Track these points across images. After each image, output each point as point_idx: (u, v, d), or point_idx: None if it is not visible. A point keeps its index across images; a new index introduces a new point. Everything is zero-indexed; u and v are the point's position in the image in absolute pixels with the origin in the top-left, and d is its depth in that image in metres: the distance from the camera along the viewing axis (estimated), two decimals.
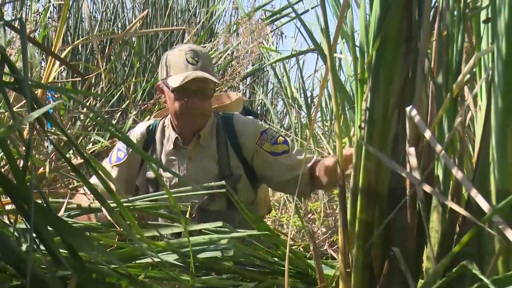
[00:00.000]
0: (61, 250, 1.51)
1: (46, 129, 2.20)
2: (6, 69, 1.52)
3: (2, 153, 1.57)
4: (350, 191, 1.64)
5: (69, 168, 2.48)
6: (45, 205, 1.51)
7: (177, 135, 2.86)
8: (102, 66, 4.63)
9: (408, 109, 1.55)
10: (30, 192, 1.45)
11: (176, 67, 2.78)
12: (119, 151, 2.92)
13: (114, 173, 2.86)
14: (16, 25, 1.72)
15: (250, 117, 2.95)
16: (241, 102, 3.16)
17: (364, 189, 1.61)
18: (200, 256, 1.76)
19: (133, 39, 6.04)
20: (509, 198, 1.44)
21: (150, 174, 2.82)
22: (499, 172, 1.49)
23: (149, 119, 3.14)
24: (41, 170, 3.04)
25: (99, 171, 1.59)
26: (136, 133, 2.94)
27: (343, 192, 1.64)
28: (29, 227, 1.45)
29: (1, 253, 1.46)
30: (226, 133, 2.86)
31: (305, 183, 2.80)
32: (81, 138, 4.11)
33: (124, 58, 6.25)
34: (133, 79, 5.54)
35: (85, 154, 1.68)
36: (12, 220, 1.68)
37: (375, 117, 1.61)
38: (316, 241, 3.94)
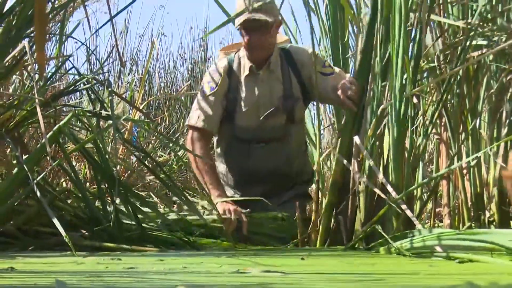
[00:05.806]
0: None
1: (131, 147, 2.14)
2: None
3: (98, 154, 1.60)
4: (326, 185, 1.74)
5: (145, 169, 2.43)
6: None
7: (251, 64, 2.12)
8: (165, 112, 4.62)
9: (355, 138, 1.63)
10: (115, 175, 1.42)
11: (239, 9, 2.06)
12: (209, 83, 2.14)
13: (211, 98, 2.11)
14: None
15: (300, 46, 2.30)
16: (289, 41, 2.34)
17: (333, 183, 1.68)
18: None
19: (182, 98, 6.04)
20: (407, 191, 1.44)
21: (232, 94, 2.12)
22: (395, 174, 1.55)
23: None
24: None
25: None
26: (223, 63, 2.16)
27: (317, 185, 1.73)
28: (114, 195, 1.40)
29: (89, 212, 1.45)
30: (286, 60, 2.14)
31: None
32: (152, 153, 4.05)
33: (177, 108, 6.22)
34: (182, 121, 5.50)
35: (155, 162, 1.67)
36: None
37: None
38: None
